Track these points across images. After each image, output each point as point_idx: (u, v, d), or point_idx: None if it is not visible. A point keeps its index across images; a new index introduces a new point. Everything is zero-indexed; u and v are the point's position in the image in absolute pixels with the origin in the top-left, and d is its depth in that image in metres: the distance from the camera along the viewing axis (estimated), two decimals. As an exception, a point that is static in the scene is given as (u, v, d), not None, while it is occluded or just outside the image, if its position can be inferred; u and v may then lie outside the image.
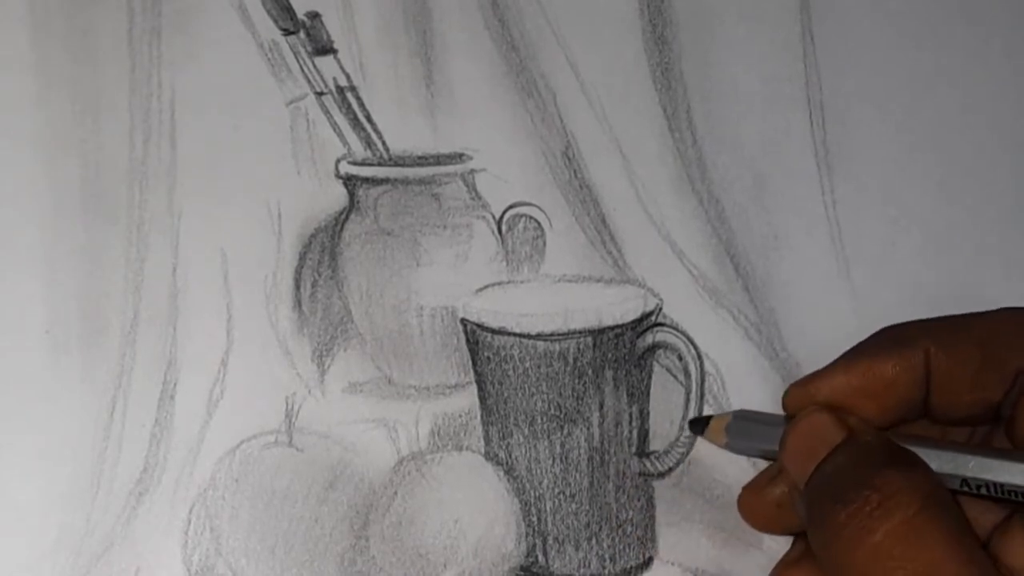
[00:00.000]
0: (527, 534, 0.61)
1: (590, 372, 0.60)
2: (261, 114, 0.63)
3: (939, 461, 0.45)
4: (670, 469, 0.62)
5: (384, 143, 0.64)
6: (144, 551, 0.59)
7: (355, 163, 0.64)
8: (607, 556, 0.62)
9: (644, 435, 0.62)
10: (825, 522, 0.43)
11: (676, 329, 0.61)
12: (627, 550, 0.62)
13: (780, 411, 0.62)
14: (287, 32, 0.64)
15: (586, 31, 0.65)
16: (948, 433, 0.49)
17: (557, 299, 0.63)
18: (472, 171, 0.64)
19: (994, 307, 0.65)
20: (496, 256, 0.64)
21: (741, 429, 0.52)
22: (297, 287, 0.63)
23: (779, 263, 0.65)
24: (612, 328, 0.61)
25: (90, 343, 0.61)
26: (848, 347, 0.64)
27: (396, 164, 0.64)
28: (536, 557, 0.61)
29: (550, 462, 0.61)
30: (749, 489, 0.52)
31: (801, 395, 0.49)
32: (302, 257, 0.63)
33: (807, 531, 0.45)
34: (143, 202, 0.62)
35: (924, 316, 0.65)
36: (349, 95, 0.64)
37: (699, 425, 0.54)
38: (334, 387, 0.63)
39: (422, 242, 0.63)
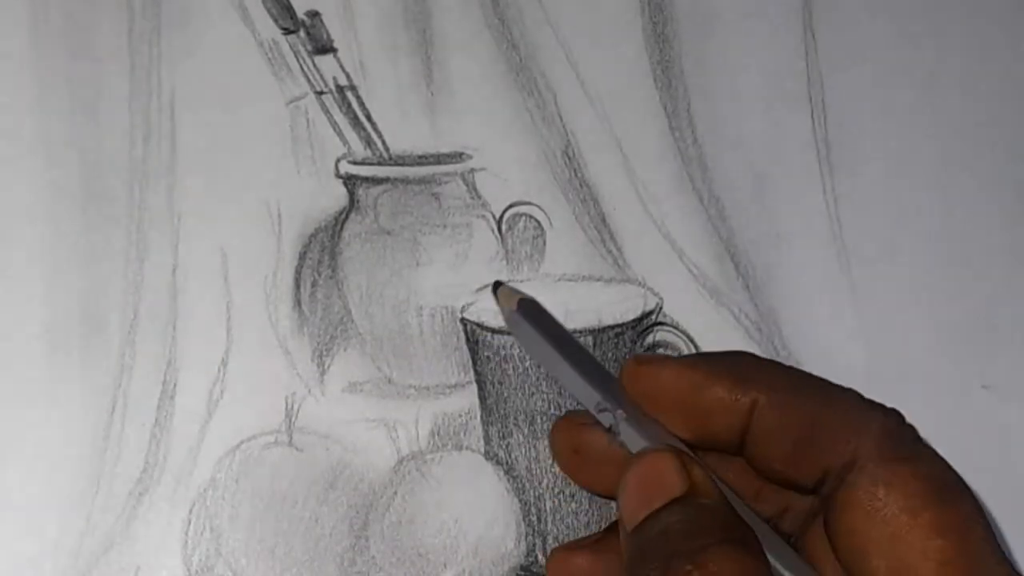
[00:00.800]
0: (527, 534, 0.61)
1: (590, 371, 0.60)
2: (261, 113, 0.63)
3: (774, 550, 0.43)
4: (670, 468, 0.62)
5: (384, 142, 0.64)
6: (144, 551, 0.59)
7: (355, 162, 0.64)
8: (607, 556, 0.62)
9: (644, 434, 0.62)
10: None
11: (676, 328, 0.61)
12: (627, 550, 0.62)
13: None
14: (287, 31, 0.64)
15: (586, 29, 0.65)
16: (762, 495, 0.47)
17: (557, 298, 0.63)
18: (472, 170, 0.64)
19: (993, 306, 0.65)
20: (496, 255, 0.64)
21: (522, 321, 0.50)
22: (297, 287, 0.63)
23: (780, 262, 0.65)
24: (612, 327, 0.60)
25: (90, 343, 0.61)
26: (848, 346, 0.65)
27: (396, 163, 0.64)
28: (536, 557, 0.61)
29: (550, 462, 0.61)
30: (562, 422, 0.50)
31: (634, 372, 0.47)
32: (302, 257, 0.63)
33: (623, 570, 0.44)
34: (143, 201, 0.62)
35: (924, 316, 0.65)
36: (349, 94, 0.64)
37: (496, 287, 0.52)
38: (334, 387, 0.63)
39: (422, 241, 0.63)
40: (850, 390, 0.46)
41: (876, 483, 0.43)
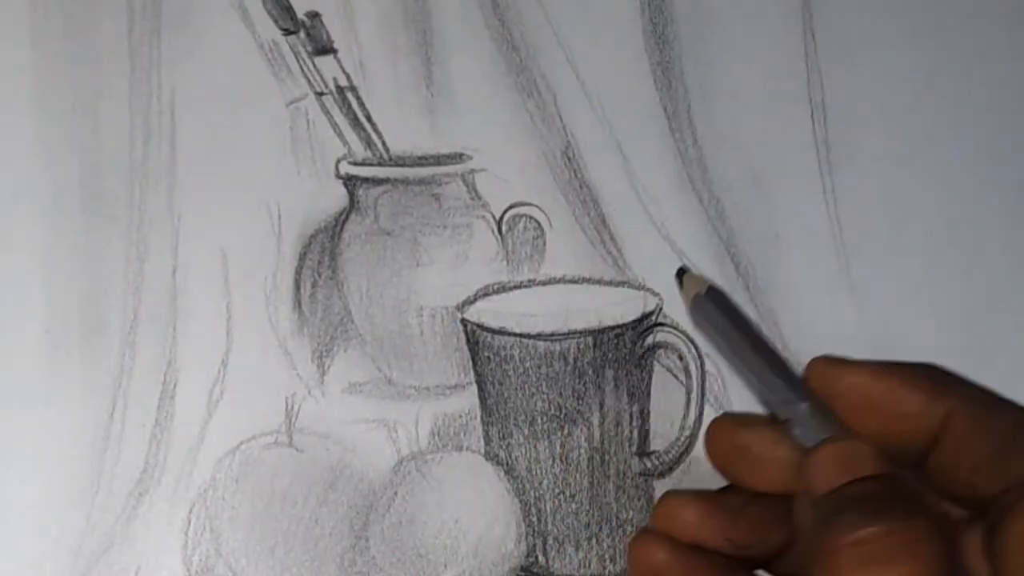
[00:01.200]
0: (527, 534, 0.61)
1: (590, 372, 0.60)
2: (261, 114, 0.63)
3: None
4: (671, 469, 0.62)
5: (384, 143, 0.64)
6: (144, 551, 0.59)
7: (355, 163, 0.64)
8: (607, 556, 0.62)
9: (645, 435, 0.62)
10: (833, 532, 0.42)
11: (676, 329, 0.61)
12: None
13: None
14: (287, 32, 0.64)
15: (586, 30, 0.65)
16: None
17: (557, 299, 0.63)
18: (472, 171, 0.64)
19: (993, 306, 0.65)
20: (496, 256, 0.64)
21: (708, 308, 0.49)
22: (297, 287, 0.63)
23: (780, 262, 0.65)
24: (612, 328, 0.60)
25: (90, 343, 0.61)
26: (848, 346, 0.64)
27: (396, 164, 0.64)
28: (536, 557, 0.61)
29: (550, 462, 0.61)
30: (721, 420, 0.50)
31: (823, 370, 0.47)
32: (302, 257, 0.63)
33: (803, 538, 0.44)
34: (143, 202, 0.62)
35: (924, 316, 0.65)
36: (349, 95, 0.64)
37: (681, 273, 0.51)
38: (334, 387, 0.63)
39: (422, 242, 0.63)
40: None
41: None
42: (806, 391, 0.46)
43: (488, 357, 0.61)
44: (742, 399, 0.64)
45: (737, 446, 0.48)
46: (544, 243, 0.64)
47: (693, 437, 0.61)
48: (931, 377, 0.45)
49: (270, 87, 0.64)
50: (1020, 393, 0.64)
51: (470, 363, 0.62)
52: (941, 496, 0.46)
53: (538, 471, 0.61)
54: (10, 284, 0.61)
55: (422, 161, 0.64)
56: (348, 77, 0.64)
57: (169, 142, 0.63)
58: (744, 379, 0.47)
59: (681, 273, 0.50)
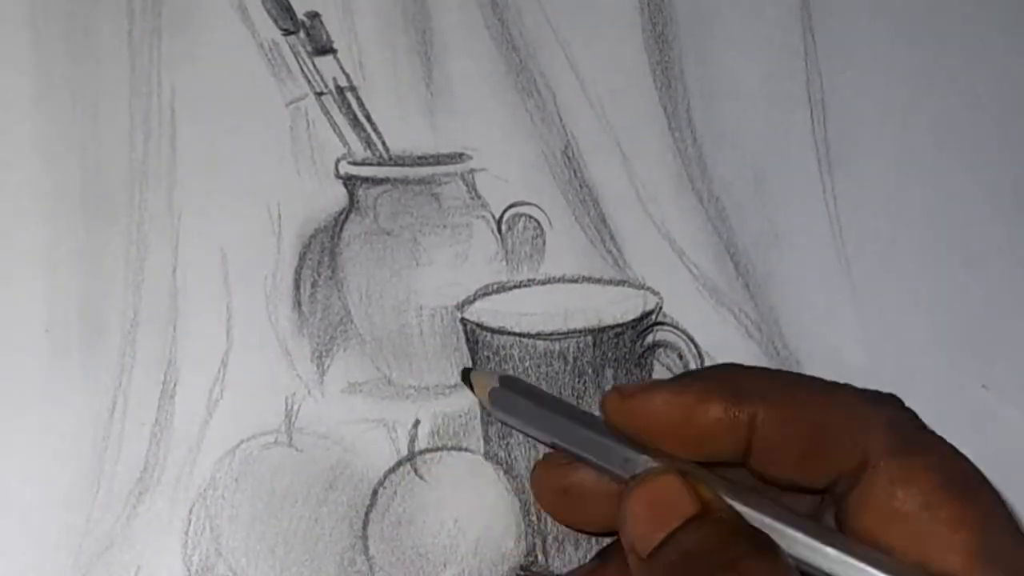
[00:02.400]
0: (527, 533, 0.61)
1: (590, 372, 0.60)
2: (261, 114, 0.63)
3: (793, 546, 0.43)
4: (670, 468, 0.62)
5: (384, 143, 0.64)
6: (144, 551, 0.59)
7: (355, 163, 0.64)
8: (607, 555, 0.62)
9: (644, 434, 0.62)
10: None
11: (676, 328, 0.61)
12: (627, 549, 0.62)
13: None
14: (287, 32, 0.64)
15: (586, 30, 0.65)
16: (769, 492, 0.46)
17: (557, 298, 0.63)
18: (472, 170, 0.64)
19: (993, 306, 0.65)
20: (496, 256, 0.64)
21: (506, 398, 0.49)
22: (297, 287, 0.63)
23: (780, 261, 0.65)
24: (612, 327, 0.61)
25: (90, 343, 0.61)
26: (848, 346, 0.65)
27: (396, 164, 0.64)
28: (536, 556, 0.61)
29: (550, 461, 0.61)
30: (544, 465, 0.49)
31: (621, 408, 0.46)
32: (302, 257, 0.63)
33: None
34: (143, 202, 0.62)
35: (924, 315, 0.65)
36: (349, 95, 0.64)
37: (466, 377, 0.51)
38: (334, 387, 0.63)
39: (422, 242, 0.63)
40: (846, 385, 0.46)
41: (893, 482, 0.42)
42: (612, 431, 0.46)
43: (488, 356, 0.61)
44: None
45: (564, 487, 0.47)
46: (544, 242, 0.64)
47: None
48: (728, 384, 0.45)
49: (270, 87, 0.64)
50: (1021, 393, 0.65)
51: (469, 362, 0.62)
52: (767, 482, 0.45)
53: (538, 470, 0.61)
54: (9, 284, 0.61)
55: (422, 161, 0.64)
56: (348, 77, 0.64)
57: (169, 142, 0.63)
58: (563, 447, 0.47)
59: (466, 374, 0.50)
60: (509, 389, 0.48)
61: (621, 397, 0.46)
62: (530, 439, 0.48)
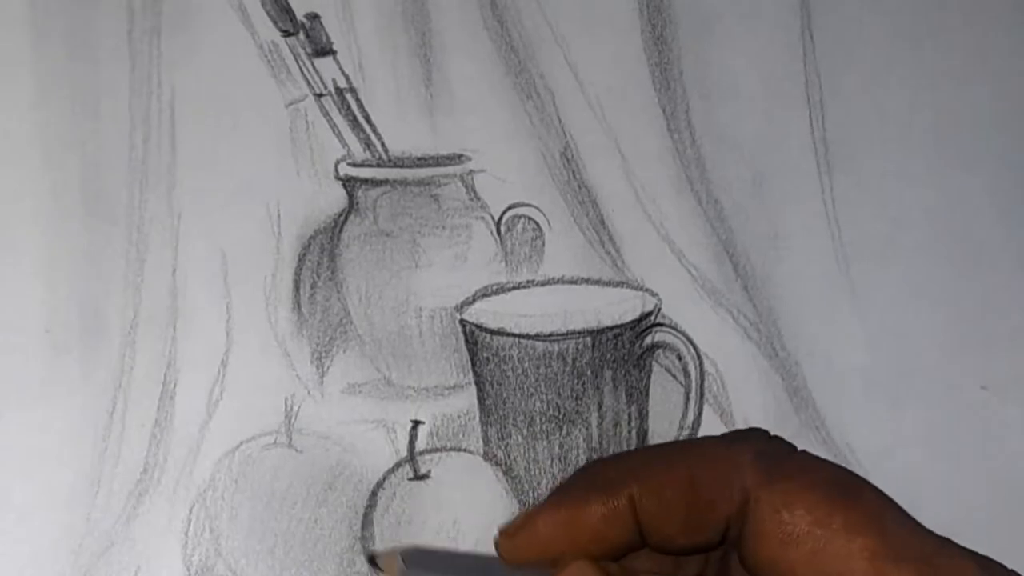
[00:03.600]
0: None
1: (589, 372, 0.60)
2: (260, 115, 0.63)
3: None
4: (669, 469, 0.62)
5: (383, 144, 0.64)
6: (144, 551, 0.59)
7: (354, 164, 0.64)
8: (606, 556, 0.62)
9: (643, 435, 0.62)
10: None
11: (675, 329, 0.61)
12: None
13: (781, 415, 0.62)
14: (286, 33, 0.64)
15: (585, 31, 0.65)
16: (680, 563, 0.47)
17: (556, 299, 0.63)
18: (471, 172, 0.64)
19: (992, 306, 0.65)
20: (495, 257, 0.64)
21: (420, 566, 0.50)
22: (296, 288, 0.63)
23: (778, 262, 0.65)
24: (611, 328, 0.61)
25: (90, 343, 0.61)
26: (847, 347, 0.65)
27: (395, 165, 0.64)
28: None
29: (549, 462, 0.61)
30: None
31: (513, 545, 0.47)
32: (301, 258, 0.63)
33: None
34: (143, 203, 0.63)
35: (923, 316, 0.65)
36: (348, 96, 0.64)
37: (373, 561, 0.52)
38: (333, 388, 0.63)
39: (421, 243, 0.63)
40: (708, 436, 0.47)
41: (776, 509, 0.43)
42: (518, 568, 0.47)
43: (487, 357, 0.61)
44: (741, 398, 0.64)
45: None
46: (543, 244, 0.64)
47: (692, 436, 0.61)
48: (599, 480, 0.46)
49: (269, 88, 0.64)
50: (1020, 393, 0.65)
51: (469, 364, 0.62)
52: (670, 553, 0.46)
53: (537, 471, 0.61)
54: (10, 284, 0.61)
55: (421, 162, 0.64)
56: (347, 78, 0.64)
57: (169, 143, 0.63)
58: None
59: (371, 560, 0.50)
60: (416, 565, 0.49)
61: (508, 537, 0.47)
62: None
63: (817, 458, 0.44)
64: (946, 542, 0.42)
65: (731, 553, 0.45)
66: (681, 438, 0.61)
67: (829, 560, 0.41)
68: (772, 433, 0.46)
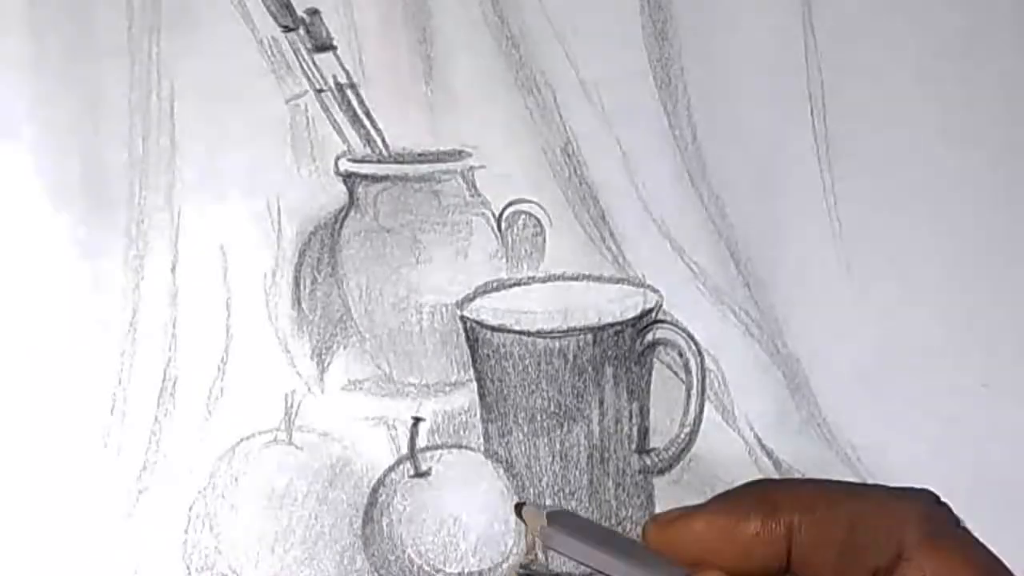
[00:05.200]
0: (526, 531, 0.61)
1: (590, 369, 0.60)
2: (261, 111, 0.63)
3: None
4: (670, 466, 0.62)
5: (384, 140, 0.64)
6: (144, 549, 0.59)
7: (355, 160, 0.64)
8: (607, 554, 0.62)
9: (644, 432, 0.62)
10: None
11: (676, 326, 0.61)
12: (627, 547, 0.62)
13: (782, 412, 0.62)
14: (287, 29, 0.64)
15: (586, 27, 0.65)
16: None
17: (557, 296, 0.63)
18: (472, 168, 0.64)
19: (993, 305, 0.65)
20: (496, 253, 0.64)
21: (562, 526, 0.50)
22: (297, 285, 0.63)
23: (780, 259, 0.65)
24: (612, 325, 0.60)
25: (89, 341, 0.61)
26: (848, 344, 0.65)
27: (396, 161, 0.64)
28: (535, 555, 0.61)
29: (550, 459, 0.61)
30: None
31: (663, 536, 0.47)
32: (301, 255, 0.63)
33: None
34: (143, 199, 0.62)
35: (924, 314, 0.65)
36: (349, 92, 0.64)
37: (518, 509, 0.53)
38: (333, 385, 0.63)
39: (422, 239, 0.63)
40: (878, 485, 0.47)
41: (926, 574, 0.43)
42: (660, 560, 0.47)
43: (487, 354, 0.61)
44: (743, 395, 0.64)
45: None
46: (544, 240, 0.64)
47: (693, 434, 0.61)
48: (764, 500, 0.46)
49: (270, 84, 0.64)
50: (1020, 392, 0.65)
51: (469, 360, 0.62)
52: None
53: (537, 468, 0.61)
54: (10, 281, 0.61)
55: (422, 158, 0.64)
56: (348, 74, 0.64)
57: (169, 139, 0.63)
58: (616, 567, 0.48)
59: (519, 509, 0.50)
60: (558, 526, 0.49)
61: (660, 527, 0.47)
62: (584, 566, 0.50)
63: (976, 539, 0.45)
64: None
65: None
66: (683, 435, 0.61)
67: None
68: (941, 498, 0.46)
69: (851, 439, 0.63)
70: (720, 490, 0.61)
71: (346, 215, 0.63)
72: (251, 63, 0.64)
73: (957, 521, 0.45)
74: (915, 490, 0.46)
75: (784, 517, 0.45)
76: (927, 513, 0.44)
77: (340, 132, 0.64)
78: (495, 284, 0.63)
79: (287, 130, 0.64)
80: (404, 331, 0.63)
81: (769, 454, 0.64)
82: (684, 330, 0.61)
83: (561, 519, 0.49)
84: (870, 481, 0.44)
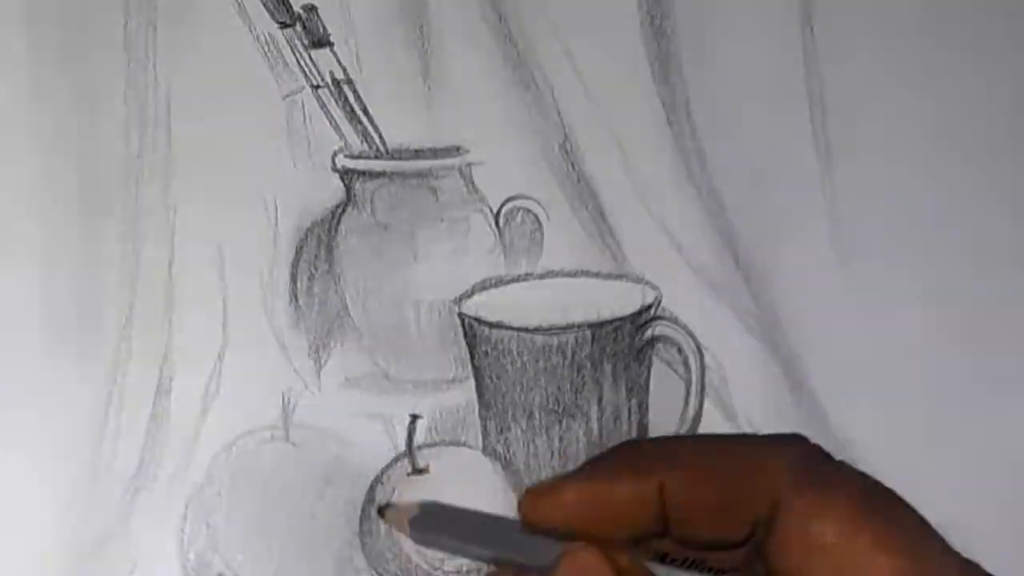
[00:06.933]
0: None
1: (589, 366, 0.60)
2: (257, 107, 0.63)
3: None
4: (669, 463, 0.62)
5: (381, 136, 0.64)
6: (140, 546, 0.59)
7: (352, 156, 0.64)
8: (606, 551, 0.61)
9: (643, 429, 0.62)
10: None
11: (675, 322, 0.61)
12: (626, 545, 0.62)
13: (781, 408, 0.62)
14: (283, 25, 0.64)
15: (584, 23, 0.65)
16: (702, 556, 0.48)
17: (555, 292, 0.63)
18: (469, 164, 0.64)
19: (993, 302, 0.65)
20: (494, 249, 0.64)
21: (429, 524, 0.50)
22: (293, 281, 0.63)
23: (779, 256, 0.65)
24: (611, 321, 0.60)
25: (86, 338, 0.61)
26: (847, 339, 0.65)
27: (393, 157, 0.64)
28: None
29: (548, 456, 0.61)
30: None
31: (535, 508, 0.47)
32: (298, 251, 0.63)
33: None
34: (139, 196, 0.62)
35: (923, 310, 0.65)
36: (345, 88, 0.64)
37: (382, 512, 0.53)
38: (331, 382, 0.63)
39: (419, 236, 0.63)
40: (748, 435, 0.47)
41: (805, 517, 0.42)
42: (534, 532, 0.47)
43: (486, 351, 0.61)
44: (742, 392, 0.64)
45: None
46: (542, 236, 0.64)
47: (692, 431, 0.61)
48: (632, 461, 0.46)
49: (266, 80, 0.64)
50: (1019, 390, 0.64)
51: (467, 357, 0.62)
52: (691, 547, 0.46)
53: (536, 465, 0.61)
54: (5, 278, 0.61)
55: (419, 154, 0.64)
56: (344, 70, 0.64)
57: (165, 135, 0.63)
58: (495, 560, 0.48)
59: (381, 512, 0.50)
60: (423, 523, 0.49)
61: (534, 497, 0.47)
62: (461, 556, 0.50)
63: (855, 470, 0.44)
64: (972, 566, 0.42)
65: (753, 556, 0.45)
66: (683, 432, 0.61)
67: (852, 574, 0.41)
68: (811, 439, 0.45)
69: (850, 435, 0.63)
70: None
71: (343, 211, 0.63)
72: (248, 59, 0.64)
73: (829, 457, 0.45)
74: (785, 436, 0.45)
75: (653, 476, 0.44)
76: (798, 456, 0.44)
77: (337, 128, 0.64)
78: (493, 280, 0.63)
79: (284, 126, 0.64)
80: (402, 328, 0.63)
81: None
82: (683, 326, 0.61)
83: (427, 516, 0.48)
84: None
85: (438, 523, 0.48)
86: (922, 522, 0.43)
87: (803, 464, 0.44)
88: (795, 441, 0.45)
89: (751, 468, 0.44)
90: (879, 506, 0.43)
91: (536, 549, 0.46)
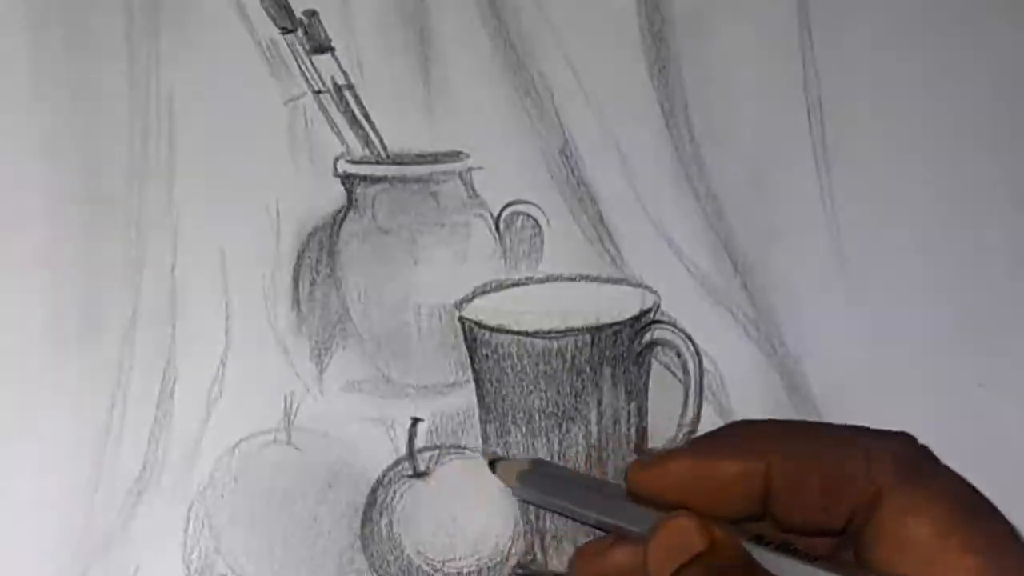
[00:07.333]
0: (525, 532, 0.61)
1: (588, 370, 0.60)
2: (259, 113, 0.63)
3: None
4: (668, 466, 0.62)
5: (382, 141, 0.64)
6: (143, 550, 0.60)
7: (353, 161, 0.64)
8: (605, 553, 0.62)
9: (642, 432, 0.62)
10: None
11: (674, 326, 0.61)
12: (625, 547, 0.62)
13: (780, 412, 0.62)
14: (285, 30, 0.64)
15: (583, 29, 0.65)
16: (796, 540, 0.48)
17: (555, 297, 0.63)
18: (470, 169, 0.64)
19: (991, 305, 0.65)
20: (494, 254, 0.64)
21: (537, 481, 0.51)
22: (295, 286, 0.63)
23: (777, 259, 0.65)
24: (610, 325, 0.60)
25: (89, 341, 0.61)
26: (846, 343, 0.65)
27: (394, 162, 0.64)
28: (534, 555, 0.61)
29: (548, 459, 0.61)
30: (581, 552, 0.50)
31: (641, 479, 0.48)
32: (300, 256, 0.63)
33: None
34: (141, 200, 0.63)
35: (921, 313, 0.65)
36: (347, 93, 0.64)
37: (492, 464, 0.53)
38: (332, 386, 0.63)
39: (420, 240, 0.63)
40: (856, 427, 0.47)
41: (903, 512, 0.43)
42: (637, 500, 0.47)
43: (486, 355, 0.61)
44: (740, 395, 0.64)
45: (602, 571, 0.48)
46: (542, 241, 0.64)
47: (691, 435, 0.61)
48: (742, 441, 0.46)
49: (268, 85, 0.64)
50: (1017, 391, 0.65)
51: (468, 361, 0.62)
52: (787, 532, 0.46)
53: (536, 469, 0.61)
54: (9, 282, 0.61)
55: (420, 159, 0.64)
56: (346, 75, 0.64)
57: (167, 140, 0.63)
58: (596, 523, 0.48)
59: (493, 464, 0.51)
60: (531, 479, 0.50)
61: (640, 468, 0.47)
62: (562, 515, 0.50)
63: (955, 473, 0.45)
64: None
65: (847, 543, 0.46)
66: (681, 436, 0.61)
67: (938, 571, 0.42)
68: (919, 440, 0.46)
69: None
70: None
71: (344, 216, 0.64)
72: (250, 65, 0.64)
73: (933, 457, 0.45)
74: (892, 432, 0.46)
75: (763, 456, 0.45)
76: (903, 451, 0.45)
77: (338, 133, 0.64)
78: (493, 285, 0.64)
79: (285, 131, 0.64)
80: (402, 332, 0.63)
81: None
82: (682, 330, 0.61)
83: (536, 474, 0.49)
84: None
85: (546, 482, 0.49)
86: (1012, 530, 0.43)
87: (907, 460, 0.44)
88: (902, 437, 0.46)
89: (858, 458, 0.44)
90: (974, 510, 0.44)
91: (638, 517, 0.47)
